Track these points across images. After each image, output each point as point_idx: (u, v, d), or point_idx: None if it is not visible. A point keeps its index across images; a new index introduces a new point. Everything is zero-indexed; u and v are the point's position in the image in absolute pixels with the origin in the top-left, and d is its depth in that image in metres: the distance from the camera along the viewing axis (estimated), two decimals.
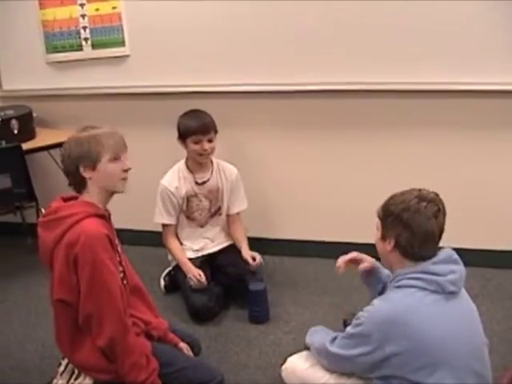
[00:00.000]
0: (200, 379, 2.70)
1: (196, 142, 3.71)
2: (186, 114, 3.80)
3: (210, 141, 3.72)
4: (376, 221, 2.48)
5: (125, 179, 2.65)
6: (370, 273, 2.81)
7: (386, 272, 2.77)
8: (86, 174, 2.57)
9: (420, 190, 2.41)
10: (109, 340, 2.48)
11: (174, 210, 3.86)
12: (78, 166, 2.57)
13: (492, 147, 3.91)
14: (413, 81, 3.80)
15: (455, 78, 3.74)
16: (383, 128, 4.02)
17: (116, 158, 2.59)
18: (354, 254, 2.85)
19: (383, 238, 2.44)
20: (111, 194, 2.65)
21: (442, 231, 2.38)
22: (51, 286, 2.58)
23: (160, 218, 3.87)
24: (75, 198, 2.66)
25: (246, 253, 3.82)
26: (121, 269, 2.65)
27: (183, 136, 3.74)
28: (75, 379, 2.66)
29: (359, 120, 4.05)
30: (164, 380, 2.63)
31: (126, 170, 2.62)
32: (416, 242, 2.34)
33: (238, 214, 4.01)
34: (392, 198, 2.42)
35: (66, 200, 2.67)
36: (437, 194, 2.40)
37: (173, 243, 3.89)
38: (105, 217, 2.61)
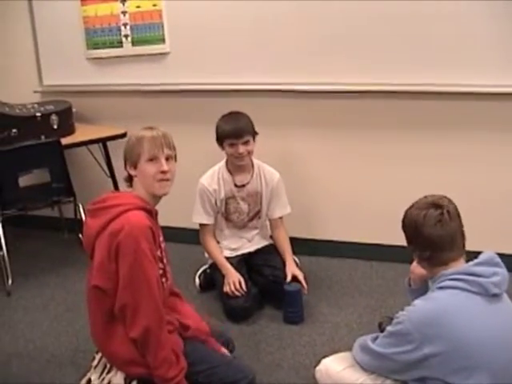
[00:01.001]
0: (232, 377, 2.70)
1: (231, 146, 3.68)
2: (223, 116, 3.76)
3: (245, 143, 3.68)
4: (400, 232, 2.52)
5: (162, 180, 2.65)
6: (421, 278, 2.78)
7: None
8: (131, 172, 2.67)
9: (426, 197, 2.45)
10: (143, 331, 2.49)
11: (213, 210, 3.84)
12: (125, 162, 2.68)
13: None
14: (443, 82, 3.77)
15: (474, 80, 3.70)
16: (426, 129, 3.97)
17: (152, 159, 2.63)
18: None
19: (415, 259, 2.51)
20: (154, 196, 2.68)
21: (455, 230, 2.37)
22: (90, 273, 2.60)
23: (199, 217, 3.85)
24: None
25: (289, 269, 3.75)
26: (161, 266, 2.66)
27: (220, 139, 3.72)
28: (107, 373, 2.68)
29: (399, 121, 4.01)
30: (195, 378, 2.64)
31: (163, 172, 2.63)
32: (436, 250, 2.37)
33: (280, 218, 3.96)
34: (404, 214, 2.47)
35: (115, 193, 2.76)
36: (443, 197, 2.42)
37: (211, 243, 3.88)
38: (151, 212, 2.64)
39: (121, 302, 2.51)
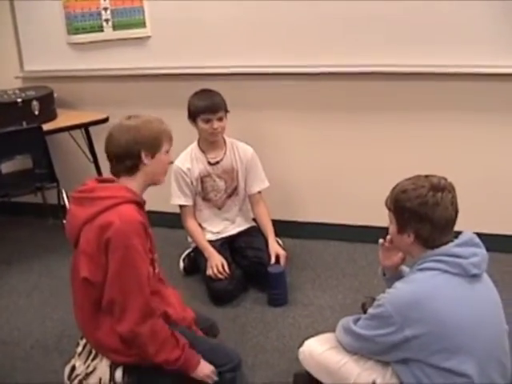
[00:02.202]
0: (217, 363, 2.71)
1: (206, 121, 3.69)
2: (195, 93, 3.77)
3: (219, 119, 3.70)
4: (386, 212, 2.47)
5: (166, 172, 2.74)
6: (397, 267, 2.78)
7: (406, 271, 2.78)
8: (146, 161, 2.61)
9: (427, 177, 2.38)
10: (129, 329, 2.49)
11: (190, 190, 3.84)
12: (140, 150, 2.60)
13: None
14: (434, 63, 3.75)
15: (475, 61, 3.69)
16: (403, 110, 3.99)
17: (168, 151, 2.69)
18: None
19: (400, 232, 2.42)
20: (150, 184, 2.70)
21: (457, 213, 2.36)
22: (75, 262, 2.59)
23: (176, 199, 3.86)
24: (110, 181, 2.68)
25: (272, 247, 3.78)
26: (150, 256, 2.64)
27: (193, 115, 3.73)
28: (92, 360, 2.68)
29: (379, 103, 4.02)
30: None
31: (171, 163, 2.76)
32: (437, 232, 2.33)
33: (259, 193, 3.96)
34: (404, 191, 2.37)
35: (101, 180, 2.70)
36: (445, 179, 2.38)
37: (192, 225, 3.89)
38: (141, 204, 2.63)
39: (109, 297, 2.50)
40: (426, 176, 2.39)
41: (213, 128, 3.69)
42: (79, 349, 2.76)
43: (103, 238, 2.45)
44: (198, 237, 3.86)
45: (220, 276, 3.64)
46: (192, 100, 3.75)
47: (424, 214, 2.31)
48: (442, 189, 2.32)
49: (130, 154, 2.60)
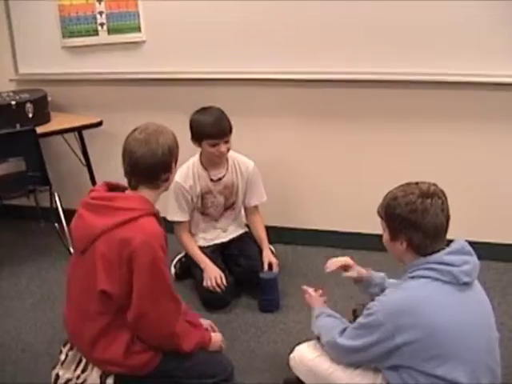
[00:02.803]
0: (210, 372, 2.73)
1: (213, 145, 3.60)
2: (199, 112, 3.67)
3: (226, 142, 3.63)
4: (379, 220, 2.47)
5: None
6: (359, 280, 2.90)
7: (378, 277, 2.85)
8: (174, 170, 2.66)
9: (417, 184, 2.38)
10: (170, 334, 2.57)
11: (188, 207, 3.80)
12: (172, 161, 2.63)
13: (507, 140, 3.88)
14: (430, 72, 3.77)
15: (473, 69, 3.71)
16: (402, 118, 4.01)
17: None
18: (344, 261, 2.95)
19: (392, 239, 2.42)
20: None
21: (448, 220, 2.36)
22: (84, 271, 2.56)
23: (173, 215, 3.79)
24: (121, 188, 2.67)
25: (266, 256, 3.78)
26: None
27: (198, 138, 3.63)
28: (82, 372, 2.66)
29: (377, 110, 4.04)
30: (175, 373, 2.68)
31: None
32: (429, 239, 2.33)
33: (255, 207, 3.96)
34: (394, 199, 2.37)
35: (111, 186, 2.66)
36: (435, 185, 2.38)
37: (186, 238, 3.85)
38: (158, 216, 2.62)
39: (139, 310, 2.50)
40: (417, 183, 2.39)
41: (219, 151, 3.62)
42: (62, 357, 2.73)
43: (126, 251, 2.44)
44: (193, 249, 3.82)
45: (217, 289, 3.62)
46: (197, 121, 3.64)
47: (414, 221, 2.31)
48: (431, 195, 2.32)
49: (166, 167, 2.60)
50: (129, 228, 2.46)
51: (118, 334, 2.57)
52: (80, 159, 4.54)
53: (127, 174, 2.60)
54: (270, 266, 3.72)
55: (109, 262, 2.47)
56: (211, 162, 3.75)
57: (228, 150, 3.67)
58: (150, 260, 2.44)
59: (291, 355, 2.77)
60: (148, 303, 2.49)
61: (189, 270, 3.91)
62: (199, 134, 3.61)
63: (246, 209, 3.98)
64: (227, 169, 3.82)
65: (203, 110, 3.67)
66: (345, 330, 2.51)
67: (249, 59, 4.09)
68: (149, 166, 2.55)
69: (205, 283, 3.65)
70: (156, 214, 2.60)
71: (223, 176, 3.80)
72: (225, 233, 3.98)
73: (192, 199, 3.78)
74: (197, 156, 3.79)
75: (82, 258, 2.56)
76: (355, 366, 2.53)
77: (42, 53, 4.60)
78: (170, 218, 3.78)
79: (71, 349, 2.76)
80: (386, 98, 3.97)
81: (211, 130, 3.57)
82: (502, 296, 3.65)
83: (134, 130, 2.61)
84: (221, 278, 3.64)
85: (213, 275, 3.64)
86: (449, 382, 2.27)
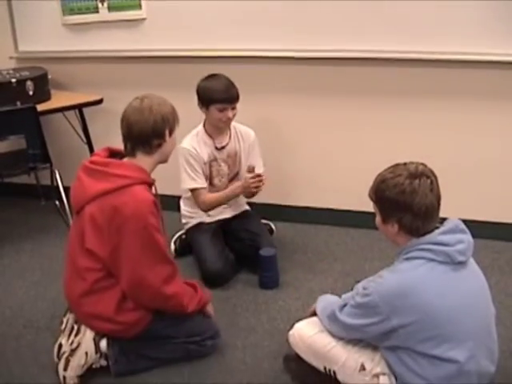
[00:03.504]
0: (197, 330, 2.92)
1: (220, 110, 3.62)
2: (208, 79, 3.69)
3: (233, 108, 3.66)
4: (372, 204, 2.49)
5: None
6: None
7: None
8: (167, 139, 2.74)
9: (405, 164, 2.38)
10: (173, 294, 2.72)
11: (202, 170, 3.76)
12: (165, 129, 2.72)
13: (507, 120, 3.88)
14: (426, 50, 3.77)
15: (468, 48, 3.70)
16: (400, 96, 4.00)
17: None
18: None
19: (384, 221, 2.44)
20: (160, 163, 2.81)
21: (439, 200, 2.36)
22: (78, 229, 2.68)
23: (191, 182, 3.74)
24: (121, 155, 2.78)
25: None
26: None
27: (207, 103, 3.65)
28: (75, 336, 2.76)
29: (375, 88, 4.03)
30: (165, 331, 2.85)
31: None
32: (419, 219, 2.33)
33: None
34: (383, 181, 2.39)
35: (113, 152, 2.78)
36: (424, 165, 2.38)
37: (209, 196, 3.76)
38: (151, 185, 2.73)
39: (135, 277, 2.63)
40: (405, 164, 2.39)
41: (227, 117, 3.64)
42: (63, 326, 2.89)
43: (118, 217, 2.55)
44: (220, 195, 3.76)
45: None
46: (205, 86, 3.65)
47: (403, 203, 2.31)
48: (419, 175, 2.32)
49: (157, 133, 2.70)
50: (121, 195, 2.57)
51: (109, 291, 2.69)
52: (80, 137, 4.54)
53: (124, 138, 2.73)
54: (252, 169, 3.61)
55: (98, 226, 2.59)
56: (216, 129, 3.76)
57: (234, 116, 3.69)
58: (142, 226, 2.55)
59: (290, 332, 2.80)
60: (143, 268, 2.61)
61: (189, 246, 3.94)
62: (209, 98, 3.63)
63: None
64: (230, 137, 3.84)
65: (211, 76, 3.70)
66: (345, 306, 2.53)
67: (249, 36, 4.08)
68: (141, 132, 2.67)
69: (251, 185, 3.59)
70: (150, 183, 2.70)
71: (227, 144, 3.82)
72: (229, 208, 3.98)
73: (202, 166, 3.77)
74: (200, 126, 3.81)
75: (77, 218, 2.70)
76: (354, 341, 2.57)
77: (42, 30, 4.58)
78: (186, 186, 3.75)
79: (71, 312, 2.88)
80: (385, 76, 3.96)
81: (221, 95, 3.60)
82: (499, 274, 3.67)
83: (135, 98, 2.74)
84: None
85: (247, 183, 3.59)
86: (447, 361, 2.30)
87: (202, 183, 3.76)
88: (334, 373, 2.59)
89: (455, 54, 3.72)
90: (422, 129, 4.00)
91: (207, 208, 3.80)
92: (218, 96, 3.61)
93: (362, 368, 2.52)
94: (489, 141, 3.92)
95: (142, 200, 2.58)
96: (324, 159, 4.29)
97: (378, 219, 2.48)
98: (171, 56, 4.29)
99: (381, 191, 2.39)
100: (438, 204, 2.35)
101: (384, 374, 2.47)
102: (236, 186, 3.70)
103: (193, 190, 3.77)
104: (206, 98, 3.65)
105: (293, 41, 3.99)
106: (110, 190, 2.58)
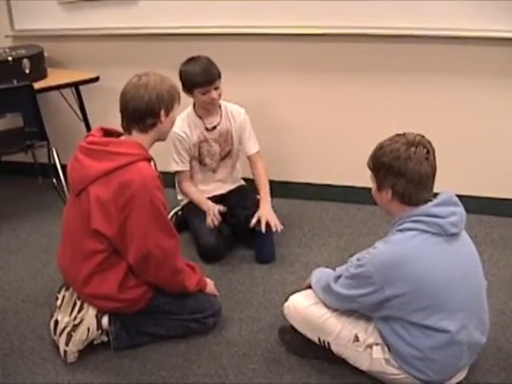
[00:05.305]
0: (200, 307, 2.94)
1: (203, 93, 3.63)
2: (186, 63, 3.66)
3: (216, 89, 3.64)
4: (369, 173, 2.51)
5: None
6: None
7: None
8: (163, 118, 2.72)
9: (404, 134, 2.41)
10: (175, 271, 2.78)
11: (188, 155, 3.82)
12: (160, 108, 2.70)
13: (501, 96, 3.90)
14: (424, 26, 3.76)
15: (468, 24, 3.70)
16: (396, 72, 4.01)
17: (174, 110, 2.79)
18: None
19: (379, 189, 2.46)
20: (157, 141, 2.82)
21: (435, 171, 2.39)
22: (79, 211, 2.69)
23: (175, 165, 3.82)
24: (116, 133, 2.79)
25: (262, 212, 3.66)
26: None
27: (188, 88, 3.64)
28: (78, 312, 2.79)
29: (370, 64, 4.03)
30: (168, 307, 2.88)
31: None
32: (412, 187, 2.36)
33: (257, 154, 3.92)
34: (380, 148, 2.42)
35: (107, 131, 2.79)
36: (423, 136, 2.41)
37: (189, 187, 3.88)
38: (150, 161, 2.74)
39: (143, 251, 2.64)
40: (404, 133, 2.42)
41: (211, 98, 3.64)
42: (58, 302, 2.91)
43: (124, 194, 2.56)
44: (195, 194, 3.86)
45: (216, 222, 3.66)
46: (185, 71, 3.64)
47: (397, 168, 2.34)
48: (416, 144, 2.35)
49: (151, 112, 2.69)
50: (126, 172, 2.58)
51: (113, 270, 2.71)
52: (77, 114, 4.56)
53: (121, 114, 2.74)
54: (268, 226, 3.60)
55: (104, 205, 2.59)
56: (205, 111, 3.78)
57: (219, 95, 3.69)
58: (149, 200, 2.57)
59: (285, 304, 2.83)
60: (151, 240, 2.63)
61: (185, 223, 3.97)
62: (189, 84, 3.64)
63: (250, 159, 3.94)
64: (221, 116, 3.84)
65: (190, 60, 3.68)
66: (339, 277, 2.57)
67: (248, 13, 4.07)
68: (135, 109, 2.67)
69: (207, 223, 3.68)
70: (150, 160, 2.72)
71: (218, 124, 3.83)
72: (224, 184, 4.02)
73: (190, 148, 3.81)
74: (190, 107, 3.82)
75: (78, 199, 2.69)
76: (348, 313, 2.61)
77: (38, 8, 4.56)
78: (172, 168, 3.84)
79: (67, 289, 2.90)
80: (379, 52, 3.97)
81: (200, 78, 3.59)
82: (492, 249, 3.70)
83: (136, 75, 2.74)
84: (219, 211, 3.70)
85: (213, 210, 3.69)
86: (438, 331, 2.34)
87: (183, 166, 3.85)
88: (329, 344, 2.63)
89: (454, 30, 3.72)
90: (419, 104, 4.02)
91: (183, 194, 3.95)
92: (197, 79, 3.59)
93: (356, 339, 2.56)
94: (482, 116, 3.94)
95: (148, 175, 2.60)
96: (319, 136, 4.31)
97: (373, 188, 2.51)
98: (167, 33, 4.29)
99: (377, 157, 2.42)
100: (433, 175, 2.38)
101: (377, 344, 2.51)
102: (208, 204, 3.77)
103: (175, 173, 3.87)
104: (187, 84, 3.64)
105: (285, 17, 3.99)
106: (114, 169, 2.59)
